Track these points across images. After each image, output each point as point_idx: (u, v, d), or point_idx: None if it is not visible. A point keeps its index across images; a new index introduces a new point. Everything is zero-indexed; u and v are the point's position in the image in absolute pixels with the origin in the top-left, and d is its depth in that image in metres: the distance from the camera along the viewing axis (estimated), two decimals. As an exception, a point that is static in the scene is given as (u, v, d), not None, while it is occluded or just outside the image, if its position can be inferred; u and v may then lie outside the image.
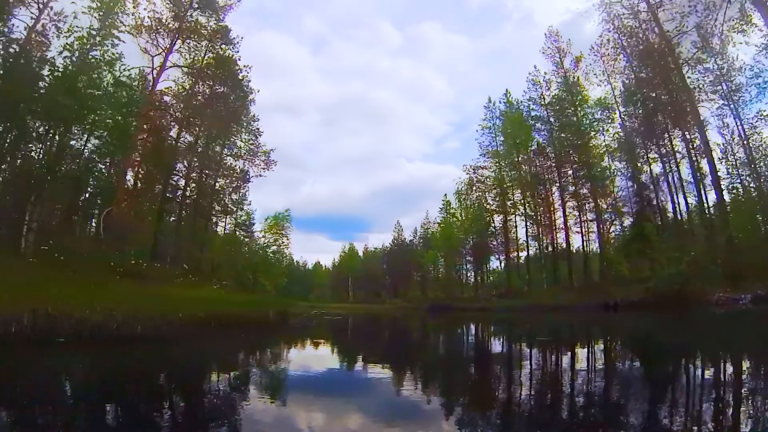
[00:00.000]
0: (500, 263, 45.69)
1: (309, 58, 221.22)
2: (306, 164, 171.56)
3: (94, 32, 19.09)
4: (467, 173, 41.98)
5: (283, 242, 36.68)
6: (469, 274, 54.78)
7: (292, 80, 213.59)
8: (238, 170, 31.44)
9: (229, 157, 31.50)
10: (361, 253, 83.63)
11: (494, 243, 43.38)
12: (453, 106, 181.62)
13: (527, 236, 39.62)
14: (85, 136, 21.29)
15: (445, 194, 51.26)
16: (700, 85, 25.22)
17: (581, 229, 34.72)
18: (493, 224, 42.46)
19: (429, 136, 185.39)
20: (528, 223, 39.39)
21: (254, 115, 31.66)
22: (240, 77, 27.78)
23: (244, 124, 30.91)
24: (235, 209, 33.70)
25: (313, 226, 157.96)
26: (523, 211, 39.63)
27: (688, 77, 24.82)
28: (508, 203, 40.16)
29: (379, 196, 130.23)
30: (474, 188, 43.10)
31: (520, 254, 42.34)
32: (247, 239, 34.56)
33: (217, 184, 31.50)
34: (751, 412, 2.85)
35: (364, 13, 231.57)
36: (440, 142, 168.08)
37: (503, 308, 29.10)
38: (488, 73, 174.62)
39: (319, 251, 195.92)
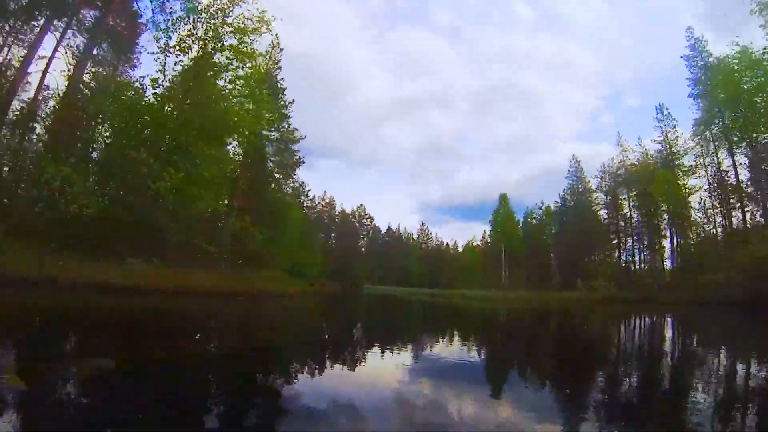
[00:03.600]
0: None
1: (448, 50, 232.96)
2: (460, 153, 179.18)
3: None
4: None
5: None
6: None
7: (435, 73, 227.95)
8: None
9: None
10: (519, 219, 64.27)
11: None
12: (601, 78, 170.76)
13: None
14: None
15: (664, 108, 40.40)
16: None
17: None
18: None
19: (580, 113, 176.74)
20: None
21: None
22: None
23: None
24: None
25: (470, 215, 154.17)
26: None
27: None
28: None
29: (534, 180, 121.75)
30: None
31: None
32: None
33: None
34: None
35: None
36: (593, 119, 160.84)
37: None
38: (635, 37, 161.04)
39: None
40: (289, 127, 41.13)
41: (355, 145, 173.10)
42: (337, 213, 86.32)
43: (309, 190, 67.17)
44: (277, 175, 42.78)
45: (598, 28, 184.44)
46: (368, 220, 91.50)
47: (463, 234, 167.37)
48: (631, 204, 45.63)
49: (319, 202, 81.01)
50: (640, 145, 43.55)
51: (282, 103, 37.94)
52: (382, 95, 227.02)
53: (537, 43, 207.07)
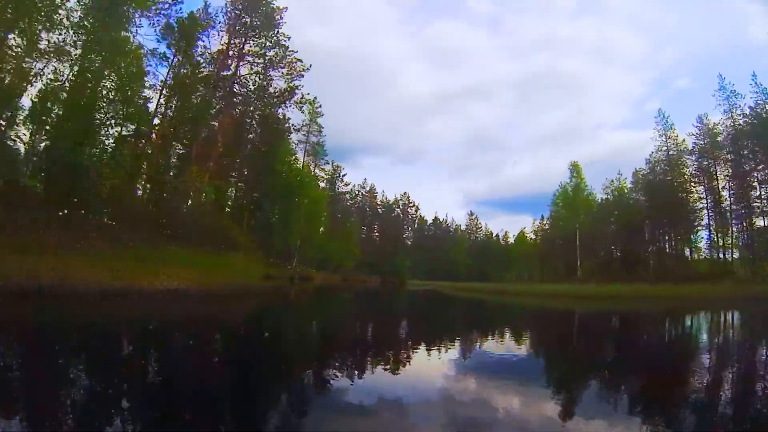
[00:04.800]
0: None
1: (487, 40, 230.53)
2: (505, 145, 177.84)
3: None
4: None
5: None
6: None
7: (475, 64, 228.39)
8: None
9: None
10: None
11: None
12: (647, 61, 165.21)
13: None
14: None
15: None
16: None
17: None
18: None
19: (626, 100, 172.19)
20: None
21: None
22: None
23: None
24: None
25: (517, 208, 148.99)
26: None
27: None
28: None
29: (584, 171, 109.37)
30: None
31: None
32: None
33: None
34: None
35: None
36: (639, 105, 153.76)
37: None
38: (681, 15, 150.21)
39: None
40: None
41: (398, 141, 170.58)
42: (379, 202, 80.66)
43: (344, 174, 62.47)
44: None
45: (641, 9, 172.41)
46: (413, 209, 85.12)
47: (510, 227, 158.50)
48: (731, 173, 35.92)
49: (359, 191, 75.91)
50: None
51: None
52: (424, 90, 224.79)
53: (579, 27, 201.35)
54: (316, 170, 47.01)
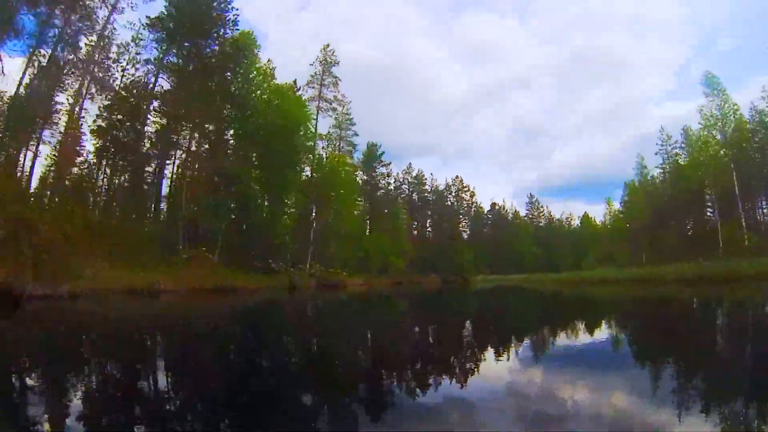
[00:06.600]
0: None
1: (520, 28, 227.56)
2: (550, 132, 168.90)
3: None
4: None
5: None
6: None
7: (511, 54, 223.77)
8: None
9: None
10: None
11: None
12: (688, 22, 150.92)
13: None
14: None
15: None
16: None
17: None
18: None
19: (669, 68, 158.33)
20: None
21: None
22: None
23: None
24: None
25: (569, 194, 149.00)
26: None
27: None
28: None
29: (632, 150, 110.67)
30: None
31: None
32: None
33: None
34: None
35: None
36: (682, 73, 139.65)
37: None
38: None
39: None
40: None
41: (443, 141, 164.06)
42: (428, 189, 69.02)
43: (382, 152, 52.24)
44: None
45: None
46: (468, 194, 72.91)
47: (564, 214, 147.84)
48: None
49: (404, 177, 64.90)
50: None
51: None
52: (463, 88, 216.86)
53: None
54: (341, 143, 36.87)
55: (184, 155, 23.89)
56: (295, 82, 30.89)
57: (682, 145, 39.76)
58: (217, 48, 23.69)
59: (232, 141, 25.70)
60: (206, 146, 24.56)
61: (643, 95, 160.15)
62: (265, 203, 25.62)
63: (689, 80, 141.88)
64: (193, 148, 23.76)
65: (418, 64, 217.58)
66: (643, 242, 40.33)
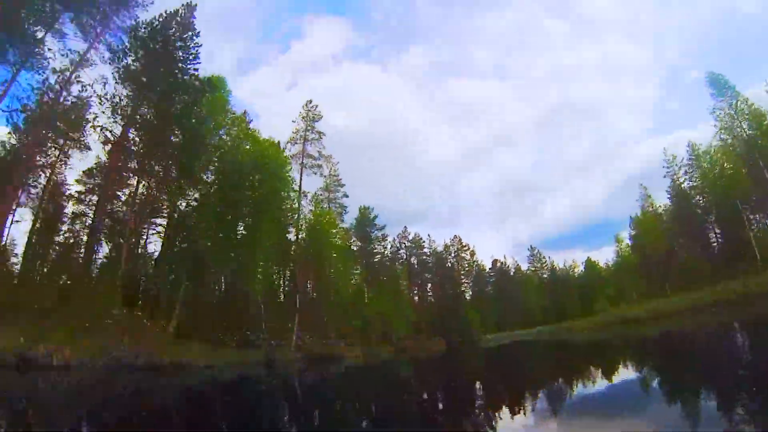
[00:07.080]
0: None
1: (500, 87, 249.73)
2: (538, 185, 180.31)
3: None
4: None
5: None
6: None
7: (494, 113, 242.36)
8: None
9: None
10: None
11: None
12: (654, 63, 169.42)
13: None
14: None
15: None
16: None
17: None
18: None
19: (644, 107, 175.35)
20: None
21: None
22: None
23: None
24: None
25: (565, 244, 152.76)
26: None
27: None
28: None
29: (621, 191, 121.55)
30: None
31: None
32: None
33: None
34: None
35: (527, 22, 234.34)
36: (656, 110, 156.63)
37: None
38: (684, 10, 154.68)
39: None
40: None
41: (435, 204, 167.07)
42: (427, 252, 67.67)
43: (376, 216, 51.72)
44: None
45: (634, 13, 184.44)
46: (468, 253, 71.60)
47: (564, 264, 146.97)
48: None
49: (401, 242, 63.77)
50: None
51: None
52: (450, 151, 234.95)
53: (579, 52, 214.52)
54: (330, 206, 36.13)
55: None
56: (278, 143, 29.98)
57: (690, 161, 38.48)
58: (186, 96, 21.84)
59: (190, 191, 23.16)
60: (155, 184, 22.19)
61: (623, 137, 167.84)
62: (234, 265, 22.65)
63: (665, 115, 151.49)
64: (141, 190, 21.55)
65: (406, 132, 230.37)
66: (662, 271, 38.28)
